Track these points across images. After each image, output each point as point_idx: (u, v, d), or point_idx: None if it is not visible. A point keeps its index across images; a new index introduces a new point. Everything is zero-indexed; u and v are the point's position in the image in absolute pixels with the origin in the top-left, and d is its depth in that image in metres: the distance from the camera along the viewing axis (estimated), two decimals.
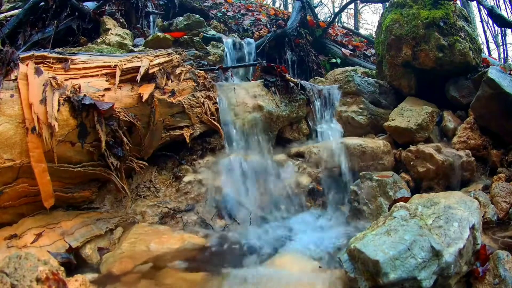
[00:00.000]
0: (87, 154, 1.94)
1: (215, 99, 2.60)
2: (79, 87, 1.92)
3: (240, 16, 5.96)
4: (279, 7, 13.52)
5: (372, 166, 2.62)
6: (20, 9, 3.47)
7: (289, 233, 2.16)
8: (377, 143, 2.68)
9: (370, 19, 35.25)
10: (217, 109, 2.57)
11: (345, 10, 14.11)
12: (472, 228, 1.46)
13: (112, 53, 2.76)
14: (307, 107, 2.99)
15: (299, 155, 2.70)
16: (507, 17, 3.52)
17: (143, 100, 2.11)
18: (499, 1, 11.90)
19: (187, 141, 2.41)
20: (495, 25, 11.58)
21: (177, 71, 2.44)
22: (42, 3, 3.48)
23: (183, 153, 2.54)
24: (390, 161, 2.69)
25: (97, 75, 2.08)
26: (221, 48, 4.00)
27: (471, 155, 2.55)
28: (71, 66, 2.03)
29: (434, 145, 2.60)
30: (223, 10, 6.01)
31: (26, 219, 1.82)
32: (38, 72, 1.82)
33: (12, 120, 1.67)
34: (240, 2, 6.91)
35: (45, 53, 2.02)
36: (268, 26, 5.70)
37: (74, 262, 1.68)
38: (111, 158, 1.99)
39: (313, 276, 1.58)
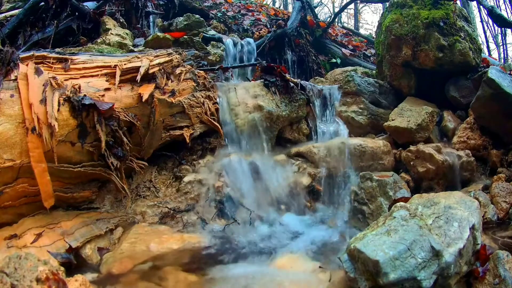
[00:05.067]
0: (87, 154, 1.94)
1: (215, 99, 2.60)
2: (79, 87, 1.92)
3: (240, 16, 5.95)
4: (279, 7, 13.52)
5: (372, 166, 2.62)
6: (20, 9, 3.47)
7: (289, 233, 2.16)
8: (377, 143, 2.68)
9: (370, 19, 35.27)
10: (217, 109, 2.57)
11: (345, 10, 14.12)
12: (472, 228, 1.46)
13: (112, 53, 2.76)
14: (307, 107, 2.99)
15: (299, 155, 2.70)
16: (507, 17, 3.52)
17: (143, 100, 2.11)
18: (499, 1, 11.91)
19: (187, 141, 2.41)
20: (495, 25, 11.59)
21: (177, 71, 2.44)
22: (42, 3, 3.48)
23: (183, 153, 2.54)
24: (390, 161, 2.70)
25: (97, 75, 2.07)
26: (221, 48, 4.00)
27: (471, 155, 2.55)
28: (71, 66, 2.03)
29: (434, 145, 2.60)
30: (223, 10, 6.01)
31: (26, 219, 1.82)
32: (38, 72, 1.82)
33: (12, 120, 1.67)
34: (240, 2, 6.90)
35: (45, 53, 2.02)
36: (268, 26, 5.70)
37: (74, 262, 1.68)
38: (111, 158, 1.99)
39: (313, 276, 1.58)
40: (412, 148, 2.63)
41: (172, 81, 2.38)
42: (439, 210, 1.53)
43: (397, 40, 3.15)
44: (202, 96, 2.51)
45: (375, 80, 3.38)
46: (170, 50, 2.54)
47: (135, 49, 3.31)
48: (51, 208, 1.82)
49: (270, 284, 1.53)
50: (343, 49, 5.41)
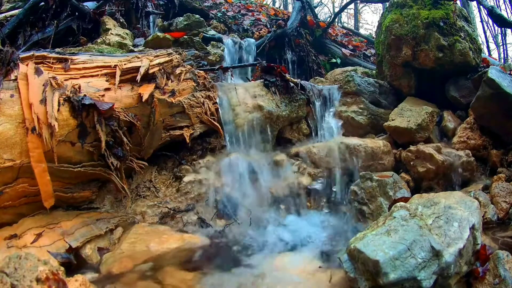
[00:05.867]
0: (87, 154, 1.94)
1: (215, 99, 2.60)
2: (79, 87, 1.92)
3: (240, 16, 5.95)
4: (279, 7, 13.52)
5: (372, 166, 2.62)
6: (20, 9, 3.47)
7: (289, 233, 2.16)
8: (377, 143, 2.68)
9: (370, 19, 35.25)
10: (217, 109, 2.57)
11: (345, 10, 14.12)
12: (472, 228, 1.46)
13: (112, 53, 2.75)
14: (307, 107, 2.99)
15: (299, 155, 2.70)
16: (507, 17, 3.52)
17: (143, 100, 2.11)
18: (499, 1, 11.91)
19: (187, 141, 2.41)
20: (495, 25, 11.59)
21: (177, 71, 2.44)
22: (42, 3, 3.48)
23: (183, 153, 2.54)
24: (390, 161, 2.69)
25: (97, 75, 2.08)
26: (221, 48, 4.00)
27: (471, 155, 2.55)
28: (71, 66, 2.03)
29: (434, 145, 2.60)
30: (223, 10, 6.00)
31: (26, 219, 1.82)
32: (38, 72, 1.82)
33: (12, 120, 1.67)
34: (240, 2, 6.90)
35: (45, 53, 2.02)
36: (268, 26, 5.70)
37: (74, 262, 1.68)
38: (111, 158, 1.99)
39: (313, 276, 1.58)
40: (412, 148, 2.63)
41: (172, 81, 2.38)
42: (439, 210, 1.53)
43: (397, 40, 3.15)
44: (202, 96, 2.51)
45: (375, 80, 3.38)
46: (170, 50, 2.54)
47: (135, 49, 3.31)
48: (51, 208, 1.82)
49: (270, 284, 1.53)
50: (343, 49, 5.41)
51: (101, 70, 2.10)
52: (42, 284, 1.01)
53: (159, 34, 3.59)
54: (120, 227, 2.02)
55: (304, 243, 1.99)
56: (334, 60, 5.28)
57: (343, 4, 13.21)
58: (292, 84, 2.95)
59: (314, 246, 1.95)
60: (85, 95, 1.89)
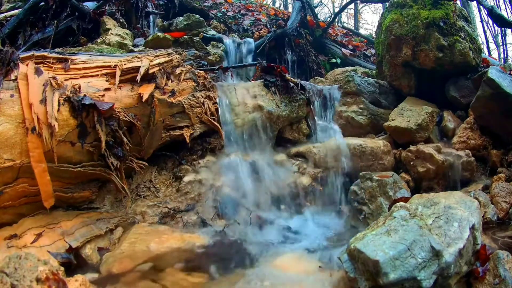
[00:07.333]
0: (87, 154, 1.94)
1: (215, 99, 2.60)
2: (79, 87, 1.92)
3: (240, 16, 5.96)
4: (279, 7, 13.52)
5: (372, 166, 2.62)
6: (20, 9, 3.47)
7: (289, 233, 2.16)
8: (377, 143, 2.68)
9: (370, 19, 35.30)
10: (217, 109, 2.57)
11: (345, 10, 14.12)
12: (472, 228, 1.46)
13: (112, 53, 2.75)
14: (307, 107, 2.99)
15: (299, 155, 2.70)
16: (507, 17, 3.52)
17: (143, 100, 2.11)
18: (499, 1, 11.92)
19: (187, 141, 2.41)
20: (495, 25, 11.60)
21: (177, 71, 2.44)
22: (42, 3, 3.48)
23: (183, 153, 2.54)
24: (390, 161, 2.69)
25: (97, 75, 2.07)
26: (221, 48, 4.00)
27: (471, 155, 2.55)
28: (71, 66, 2.02)
29: (434, 145, 2.60)
30: (223, 10, 6.01)
31: (26, 219, 1.82)
32: (38, 72, 1.82)
33: (12, 120, 1.67)
34: (240, 2, 6.91)
35: (45, 53, 2.02)
36: (268, 26, 5.70)
37: (74, 262, 1.68)
38: (111, 158, 1.98)
39: (313, 276, 1.58)
40: (412, 148, 2.63)
41: (172, 81, 2.37)
42: (439, 210, 1.53)
43: (397, 40, 3.15)
44: (202, 96, 2.51)
45: (375, 80, 3.38)
46: (170, 50, 2.54)
47: (135, 49, 3.31)
48: (51, 208, 1.82)
49: (270, 285, 1.53)
50: (343, 49, 5.41)
51: (101, 70, 2.10)
52: (42, 284, 1.01)
53: (159, 34, 3.59)
54: (120, 227, 2.02)
55: (304, 243, 1.99)
56: (334, 60, 5.28)
57: (343, 4, 13.21)
58: (292, 84, 2.95)
59: (314, 246, 1.95)
60: (85, 95, 1.89)
